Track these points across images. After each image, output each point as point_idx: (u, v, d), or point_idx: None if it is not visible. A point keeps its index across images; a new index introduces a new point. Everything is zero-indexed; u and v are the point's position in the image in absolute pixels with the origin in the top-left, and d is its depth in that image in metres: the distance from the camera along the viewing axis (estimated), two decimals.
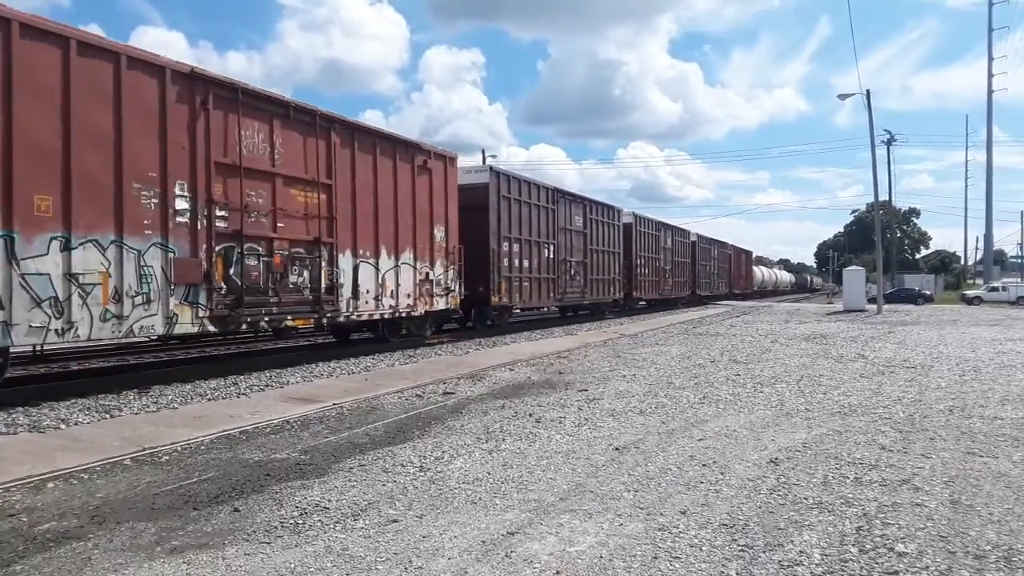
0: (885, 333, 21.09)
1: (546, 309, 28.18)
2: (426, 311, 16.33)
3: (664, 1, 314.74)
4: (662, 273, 35.99)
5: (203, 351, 15.46)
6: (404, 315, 15.60)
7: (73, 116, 8.66)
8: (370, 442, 7.28)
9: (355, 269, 13.73)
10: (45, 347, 10.07)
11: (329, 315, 13.14)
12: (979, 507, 4.96)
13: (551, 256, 23.17)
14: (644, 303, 35.92)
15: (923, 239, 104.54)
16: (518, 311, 24.83)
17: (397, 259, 15.01)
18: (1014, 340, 18.53)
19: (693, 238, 42.60)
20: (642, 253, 32.74)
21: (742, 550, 4.20)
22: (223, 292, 10.92)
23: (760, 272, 72.17)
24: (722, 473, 5.86)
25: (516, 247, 20.78)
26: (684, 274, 40.29)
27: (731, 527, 4.59)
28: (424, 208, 15.98)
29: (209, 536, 4.57)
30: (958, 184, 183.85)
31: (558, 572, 3.91)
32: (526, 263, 21.39)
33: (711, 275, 47.50)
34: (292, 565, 4.05)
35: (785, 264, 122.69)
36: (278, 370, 12.09)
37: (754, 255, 71.28)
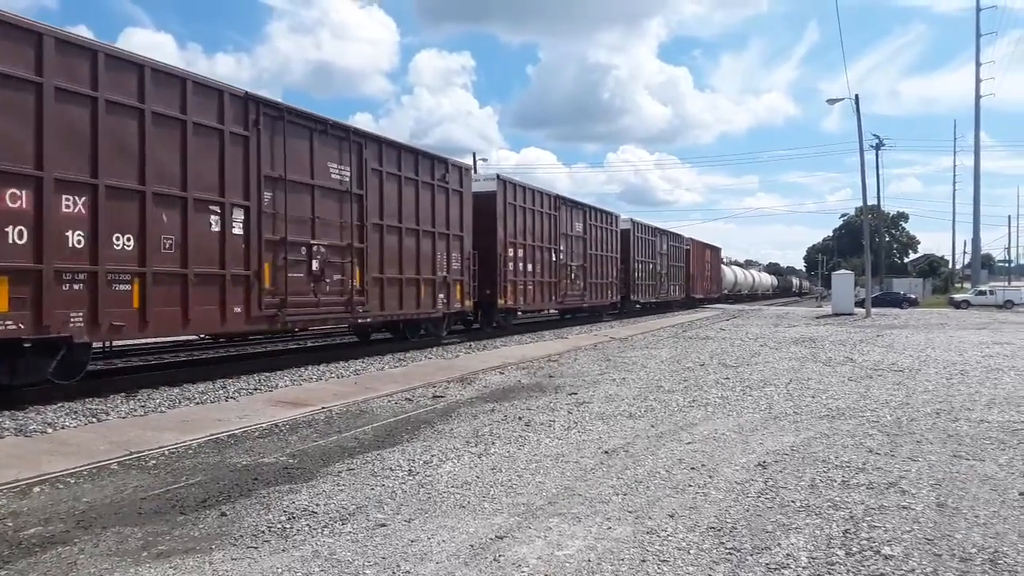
0: (873, 337, 21.21)
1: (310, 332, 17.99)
2: None
3: (653, 5, 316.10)
4: (564, 272, 24.43)
5: (191, 355, 15.38)
6: None
7: None
8: (359, 446, 7.26)
9: None
10: None
11: None
12: (965, 510, 5.00)
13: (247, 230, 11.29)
14: (541, 315, 25.97)
15: (911, 243, 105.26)
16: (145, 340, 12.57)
17: None
18: (1001, 344, 18.66)
19: (624, 225, 31.55)
20: (520, 240, 21.19)
21: (729, 553, 4.21)
22: None
23: (732, 273, 62.80)
24: (710, 476, 5.88)
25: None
26: (608, 274, 29.29)
27: (719, 530, 4.60)
28: None
29: (196, 541, 4.54)
30: (946, 188, 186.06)
31: None
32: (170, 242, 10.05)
33: (657, 276, 36.42)
34: (279, 570, 4.04)
35: (775, 268, 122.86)
36: (267, 373, 12.04)
37: (743, 259, 68.11)
